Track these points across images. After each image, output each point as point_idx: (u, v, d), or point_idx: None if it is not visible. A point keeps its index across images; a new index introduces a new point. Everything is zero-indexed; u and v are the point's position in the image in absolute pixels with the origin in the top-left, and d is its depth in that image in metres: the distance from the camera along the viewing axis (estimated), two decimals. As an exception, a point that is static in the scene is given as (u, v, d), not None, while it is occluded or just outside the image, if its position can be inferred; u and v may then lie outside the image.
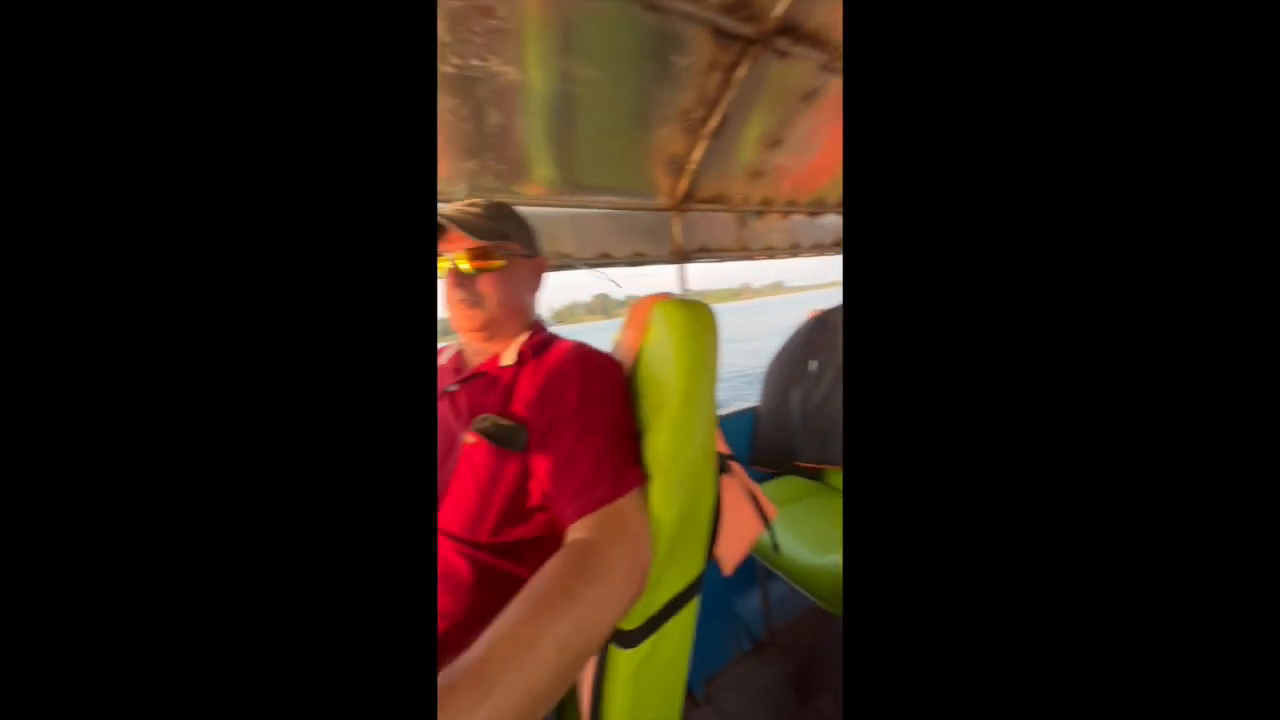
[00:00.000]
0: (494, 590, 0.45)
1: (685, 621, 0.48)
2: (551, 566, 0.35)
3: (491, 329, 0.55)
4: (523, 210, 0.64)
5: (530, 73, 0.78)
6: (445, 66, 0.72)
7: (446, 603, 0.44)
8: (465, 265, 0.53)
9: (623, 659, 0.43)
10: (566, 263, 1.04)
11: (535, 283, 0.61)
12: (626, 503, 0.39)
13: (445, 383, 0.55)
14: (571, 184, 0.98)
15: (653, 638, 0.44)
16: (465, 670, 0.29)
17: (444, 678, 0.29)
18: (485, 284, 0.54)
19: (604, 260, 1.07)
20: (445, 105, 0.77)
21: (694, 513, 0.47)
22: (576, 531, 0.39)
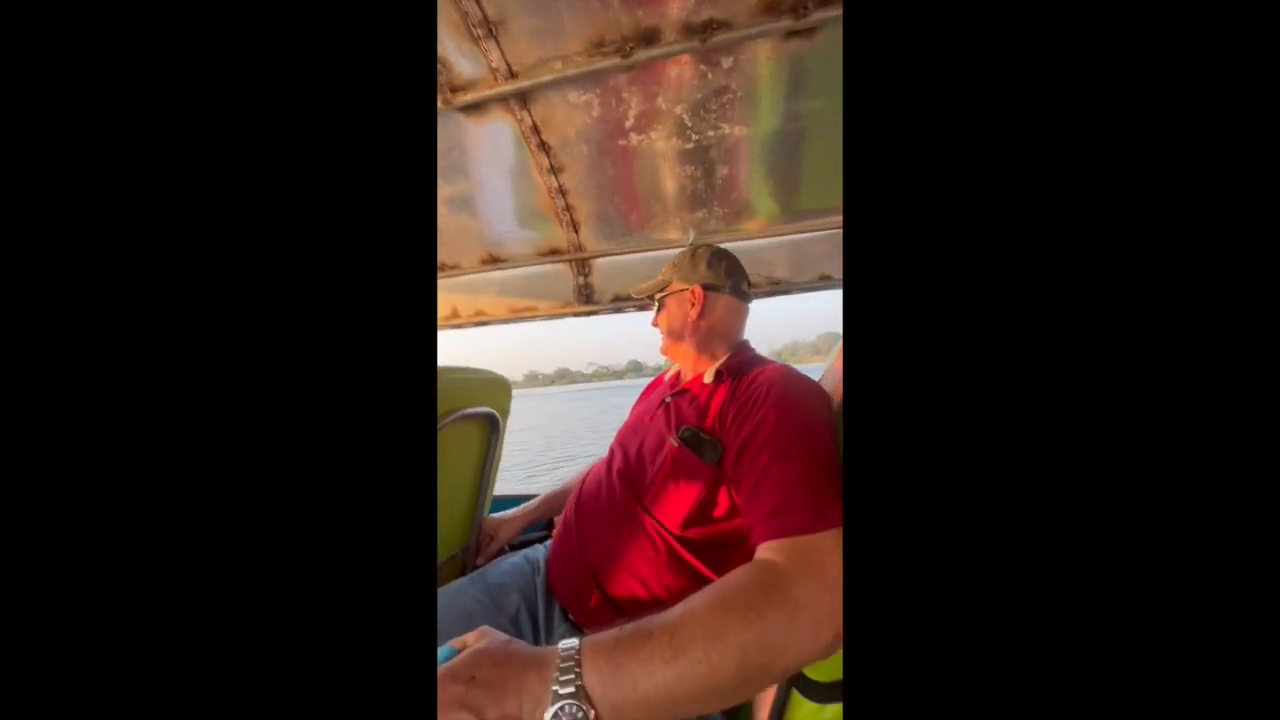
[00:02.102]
0: (677, 573, 0.53)
1: None
2: (742, 576, 0.35)
3: (694, 353, 0.68)
4: (732, 248, 0.73)
5: (758, 124, 0.86)
6: (686, 144, 0.91)
7: (642, 570, 0.53)
8: (656, 301, 0.70)
9: (805, 710, 0.41)
10: (782, 289, 1.06)
11: (732, 312, 0.70)
12: (824, 541, 0.37)
13: (665, 395, 0.69)
14: (793, 212, 0.99)
15: (842, 705, 0.40)
16: (660, 627, 0.31)
17: (636, 627, 0.32)
18: (679, 316, 0.69)
19: (823, 283, 1.01)
20: (684, 173, 0.95)
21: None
22: (765, 552, 0.39)
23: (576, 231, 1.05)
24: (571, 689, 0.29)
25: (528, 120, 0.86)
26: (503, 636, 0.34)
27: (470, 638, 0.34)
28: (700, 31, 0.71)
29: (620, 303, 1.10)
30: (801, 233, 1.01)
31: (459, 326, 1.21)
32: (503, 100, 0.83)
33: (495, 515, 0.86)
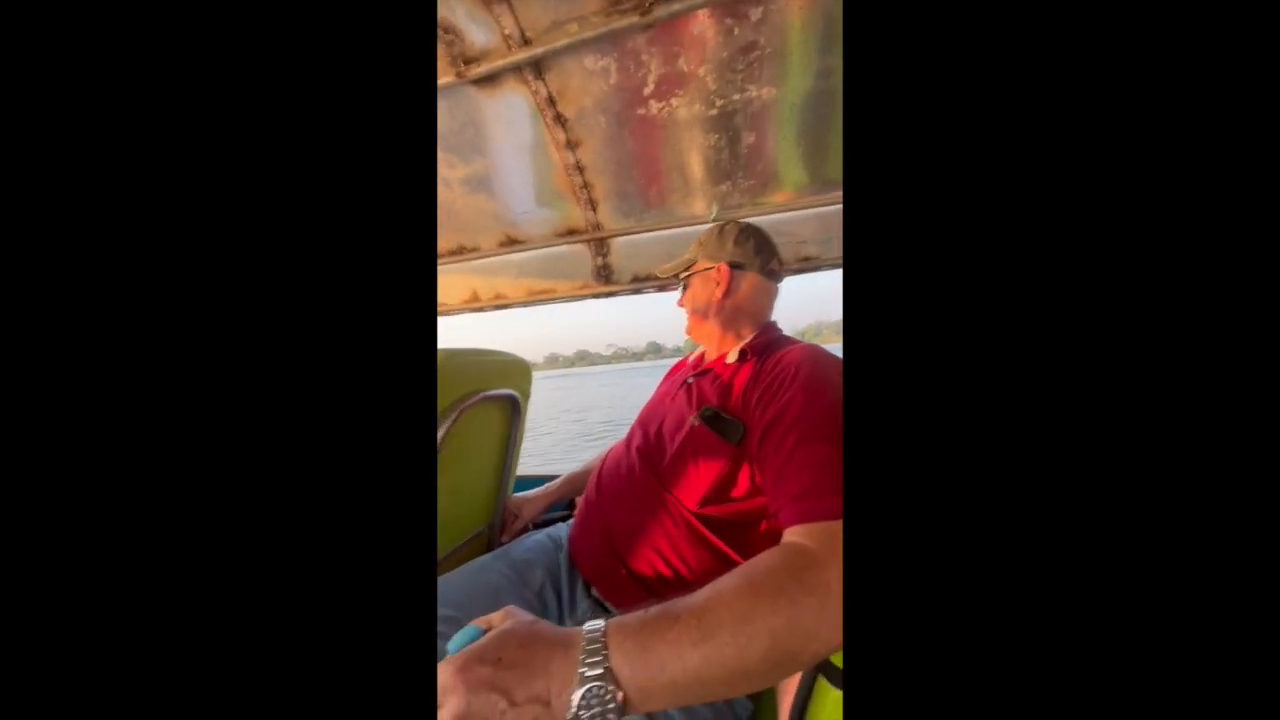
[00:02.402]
0: (697, 549, 0.53)
1: None
2: (770, 560, 0.35)
3: (719, 333, 0.67)
4: (758, 221, 0.69)
5: (788, 84, 0.79)
6: (709, 110, 0.85)
7: (662, 545, 0.53)
8: (680, 281, 0.70)
9: (832, 697, 0.40)
10: (811, 265, 1.00)
11: (759, 291, 0.67)
12: None
13: (688, 376, 0.68)
14: (823, 181, 0.92)
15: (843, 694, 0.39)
16: (687, 610, 0.31)
17: (663, 609, 0.31)
18: (704, 295, 0.67)
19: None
20: (707, 142, 0.90)
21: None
22: (794, 536, 0.38)
23: (594, 210, 1.02)
24: (599, 670, 0.29)
25: (543, 91, 0.82)
26: (528, 617, 0.34)
27: (495, 618, 0.34)
28: (726, -20, 0.65)
29: (640, 283, 1.07)
30: (833, 204, 0.95)
31: (479, 309, 1.22)
32: (517, 70, 0.80)
33: (519, 494, 0.88)
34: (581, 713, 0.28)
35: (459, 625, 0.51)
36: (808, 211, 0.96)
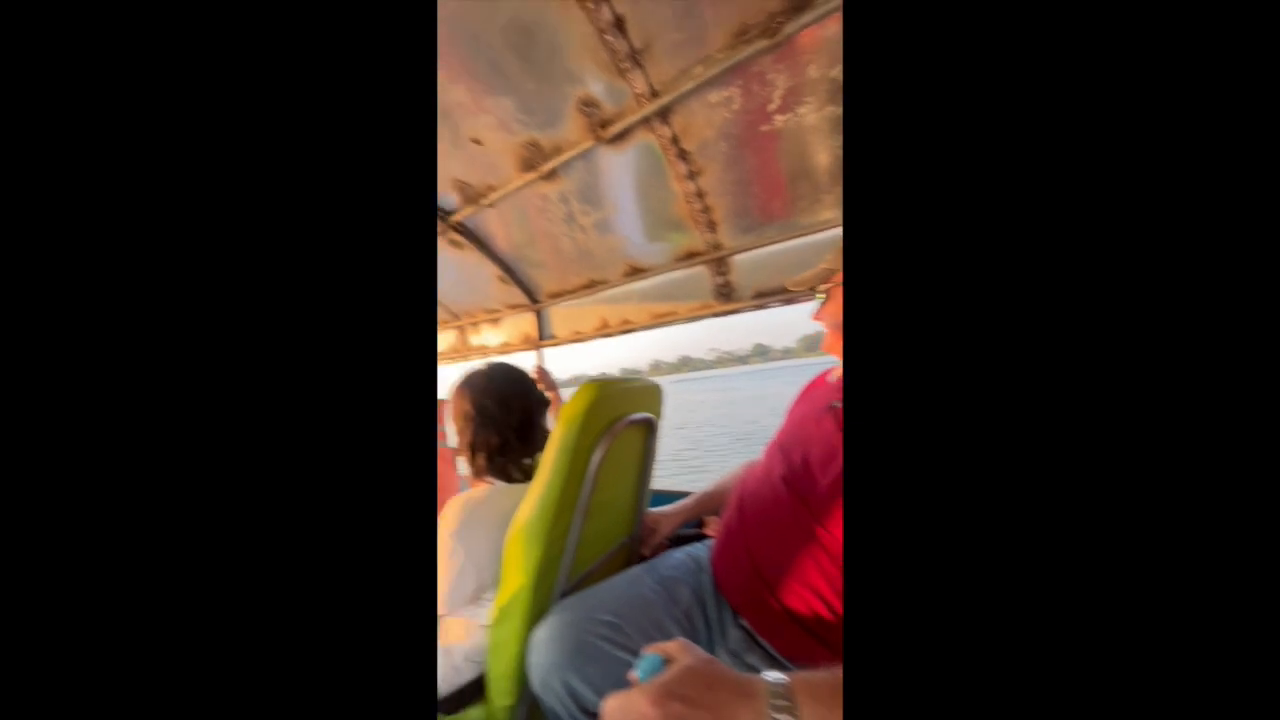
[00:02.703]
0: None
1: None
2: None
3: None
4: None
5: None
6: (841, 109, 0.80)
7: (818, 583, 0.50)
8: (820, 294, 0.64)
9: None
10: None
11: None
12: None
13: (833, 399, 0.63)
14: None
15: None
16: None
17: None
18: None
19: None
20: (838, 143, 0.84)
21: None
22: None
23: (714, 230, 1.04)
24: None
25: (667, 133, 0.89)
26: (705, 655, 0.34)
27: (671, 648, 0.35)
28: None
29: (764, 298, 1.04)
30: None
31: (608, 335, 1.34)
32: (644, 120, 0.87)
33: (655, 510, 0.93)
34: None
35: (621, 631, 0.56)
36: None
